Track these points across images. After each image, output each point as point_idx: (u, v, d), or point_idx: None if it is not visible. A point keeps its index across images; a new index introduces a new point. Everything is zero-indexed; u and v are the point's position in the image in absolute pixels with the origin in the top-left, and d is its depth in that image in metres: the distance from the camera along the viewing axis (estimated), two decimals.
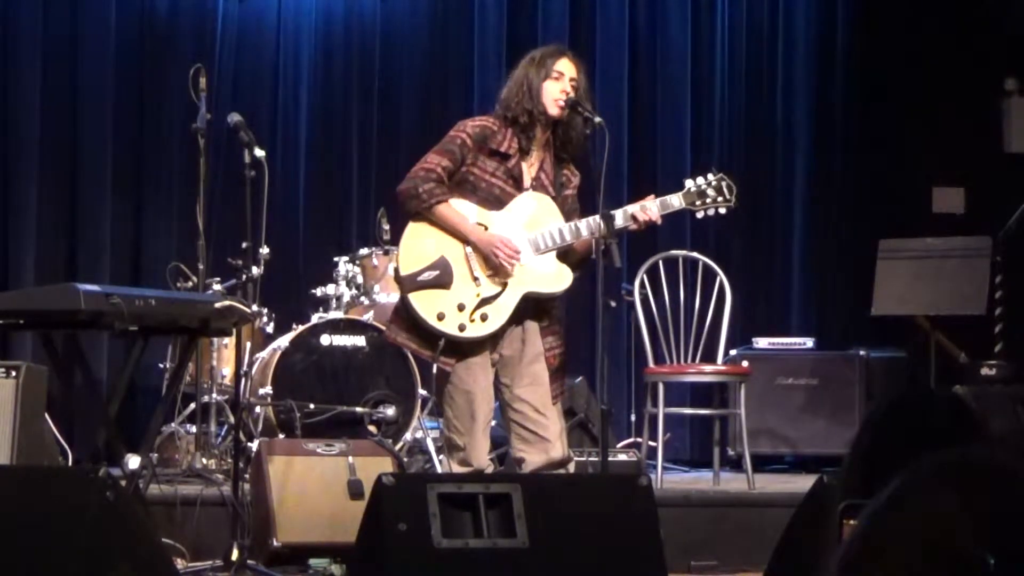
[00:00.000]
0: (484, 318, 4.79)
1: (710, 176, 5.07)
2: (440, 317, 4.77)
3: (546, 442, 4.84)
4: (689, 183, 5.05)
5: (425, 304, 4.79)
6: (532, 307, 4.88)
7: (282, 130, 7.78)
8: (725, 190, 5.08)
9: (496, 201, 4.85)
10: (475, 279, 4.81)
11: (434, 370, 4.85)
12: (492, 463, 5.11)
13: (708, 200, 5.05)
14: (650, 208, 4.90)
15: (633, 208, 4.89)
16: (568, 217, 4.91)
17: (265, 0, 7.81)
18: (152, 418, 5.08)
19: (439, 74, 8.04)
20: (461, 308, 4.78)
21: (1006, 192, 7.64)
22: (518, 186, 4.88)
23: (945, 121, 8.08)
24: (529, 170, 4.90)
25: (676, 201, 4.99)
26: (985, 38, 8.07)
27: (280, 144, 7.69)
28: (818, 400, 7.33)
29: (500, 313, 4.80)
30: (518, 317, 4.87)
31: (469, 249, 4.81)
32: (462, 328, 4.77)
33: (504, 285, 4.82)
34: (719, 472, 6.61)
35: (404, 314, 4.87)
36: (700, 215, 5.09)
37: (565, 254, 4.92)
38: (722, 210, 5.10)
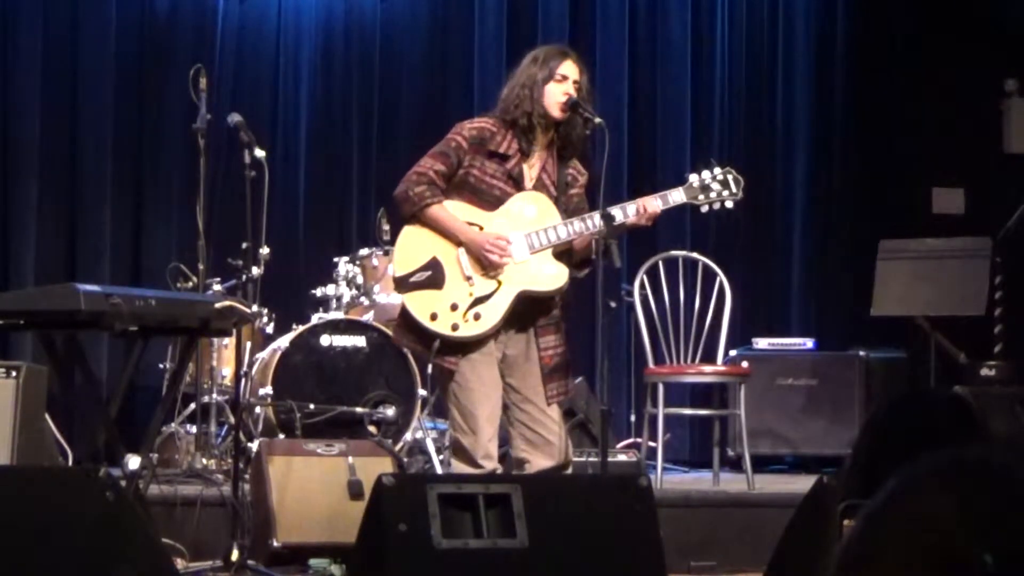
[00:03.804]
0: (477, 317, 4.75)
1: (716, 170, 4.96)
2: (433, 317, 4.74)
3: (551, 445, 4.81)
4: (693, 177, 4.96)
5: (418, 305, 4.77)
6: (531, 307, 4.84)
7: (282, 130, 7.77)
8: (732, 183, 4.97)
9: (496, 202, 4.82)
10: (468, 279, 4.77)
11: (429, 370, 4.82)
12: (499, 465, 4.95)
13: (713, 195, 4.94)
14: (650, 204, 4.83)
15: (631, 205, 4.82)
16: (573, 216, 4.83)
17: (265, 0, 7.82)
18: (152, 418, 5.07)
19: (439, 74, 8.04)
20: (454, 308, 4.74)
21: (1006, 192, 7.64)
22: (518, 187, 4.84)
23: (945, 121, 8.08)
24: (530, 171, 4.87)
25: (678, 196, 4.89)
26: (985, 38, 8.07)
27: (280, 144, 7.69)
28: (818, 400, 7.33)
29: (494, 312, 4.76)
30: (520, 318, 4.83)
31: (462, 249, 4.78)
32: (455, 328, 4.73)
33: (499, 284, 4.78)
34: (719, 472, 6.60)
35: (404, 316, 4.86)
36: (704, 209, 5.00)
37: (566, 254, 4.86)
38: (728, 204, 4.99)
